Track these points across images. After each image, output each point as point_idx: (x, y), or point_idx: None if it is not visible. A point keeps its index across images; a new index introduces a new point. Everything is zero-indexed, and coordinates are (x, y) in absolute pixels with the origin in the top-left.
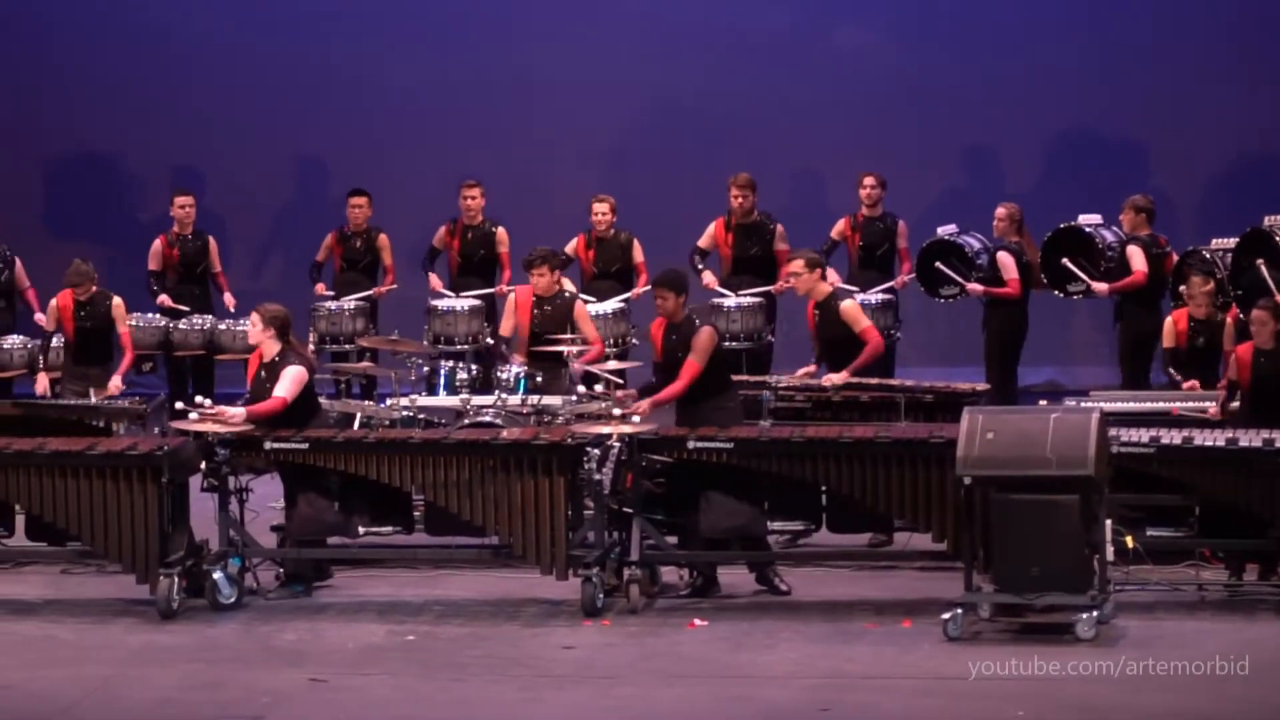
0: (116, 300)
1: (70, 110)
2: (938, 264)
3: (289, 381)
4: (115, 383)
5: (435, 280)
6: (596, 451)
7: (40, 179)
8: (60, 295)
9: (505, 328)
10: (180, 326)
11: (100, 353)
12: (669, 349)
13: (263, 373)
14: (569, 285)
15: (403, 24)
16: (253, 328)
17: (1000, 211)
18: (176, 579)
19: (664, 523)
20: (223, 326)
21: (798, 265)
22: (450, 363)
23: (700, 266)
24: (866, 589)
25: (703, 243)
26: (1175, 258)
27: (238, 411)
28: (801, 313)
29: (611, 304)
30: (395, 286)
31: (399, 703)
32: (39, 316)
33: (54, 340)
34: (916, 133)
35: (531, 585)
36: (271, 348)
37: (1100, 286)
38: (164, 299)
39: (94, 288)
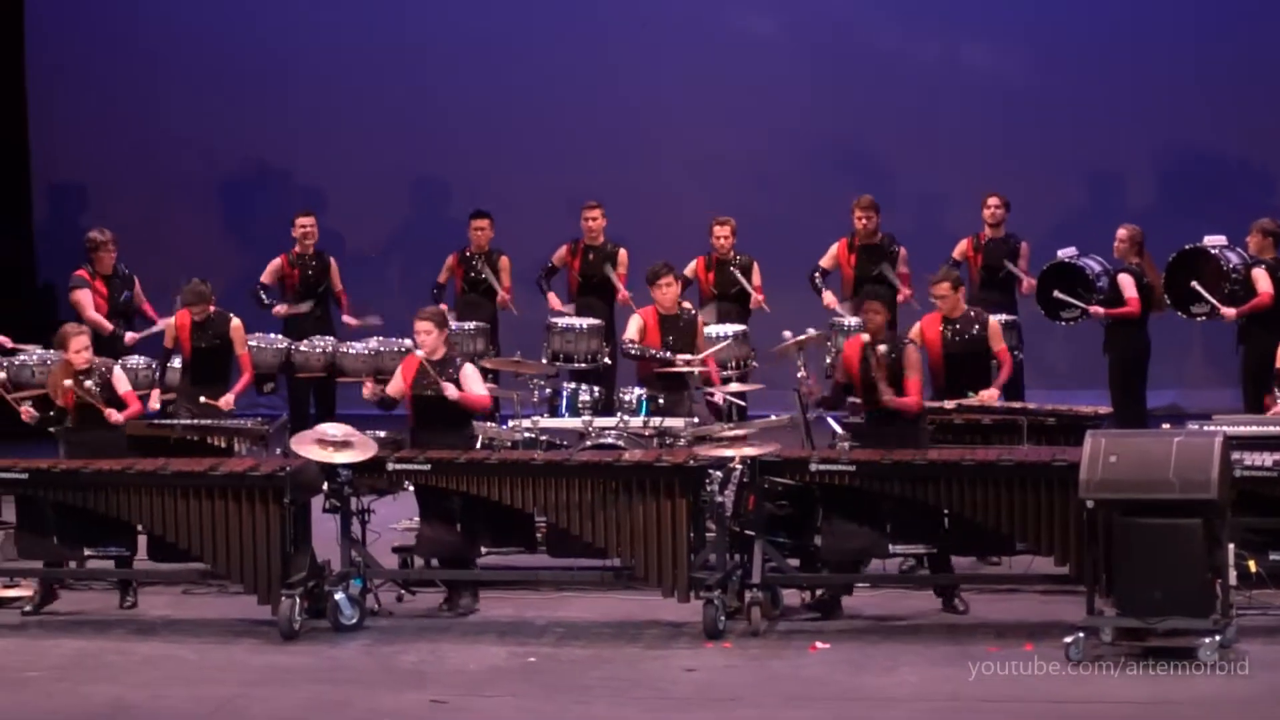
0: (235, 322)
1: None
2: (1056, 292)
3: (478, 379)
4: (227, 399)
5: (554, 299)
6: (719, 474)
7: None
8: (179, 314)
9: (630, 334)
10: (302, 349)
11: (218, 373)
12: (867, 365)
13: (431, 371)
14: (686, 305)
15: (526, 47)
16: (427, 334)
17: (1121, 233)
18: (298, 600)
19: (786, 545)
20: (344, 349)
21: (944, 289)
22: (572, 384)
23: (820, 286)
24: (988, 611)
25: (825, 262)
26: None
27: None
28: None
29: (731, 326)
30: (510, 303)
31: None
32: (162, 323)
33: (173, 360)
34: (1039, 153)
35: (653, 607)
36: (441, 349)
37: (1229, 311)
38: (280, 308)
39: (211, 308)
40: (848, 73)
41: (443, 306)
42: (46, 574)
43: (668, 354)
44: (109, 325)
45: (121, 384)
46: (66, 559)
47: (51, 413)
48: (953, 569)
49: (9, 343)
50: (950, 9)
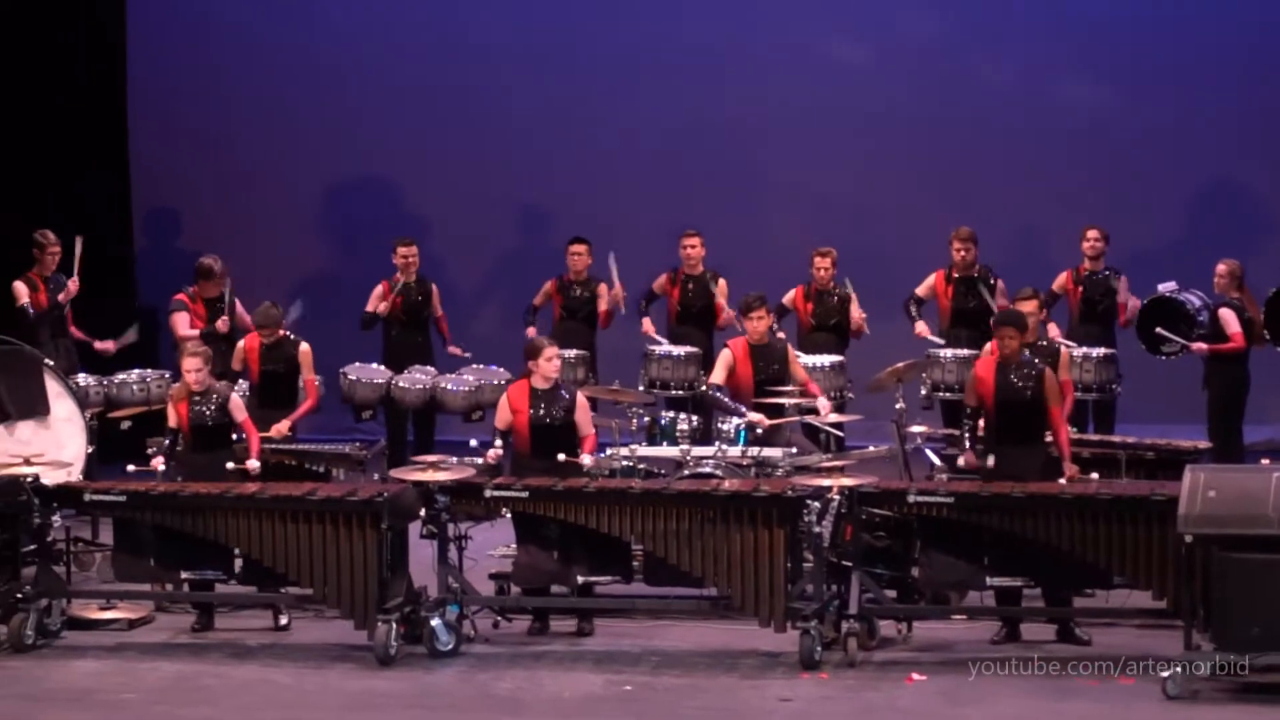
0: (304, 346)
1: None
2: (1158, 329)
3: (588, 411)
4: (281, 426)
5: (648, 324)
6: (816, 504)
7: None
8: (248, 338)
9: (717, 377)
10: (401, 384)
11: (286, 397)
12: (1006, 389)
13: (544, 398)
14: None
15: (627, 78)
16: (559, 359)
17: (1221, 268)
18: (395, 625)
19: (883, 576)
20: (444, 384)
21: (1032, 305)
22: (670, 413)
23: (915, 314)
24: (1076, 644)
25: (921, 291)
26: None
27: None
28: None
29: (829, 357)
30: (614, 312)
31: None
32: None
33: (241, 383)
34: (1139, 187)
35: (749, 637)
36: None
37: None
38: (383, 306)
39: (281, 332)
40: (947, 103)
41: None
42: (142, 596)
43: (741, 408)
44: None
45: (239, 411)
46: (164, 581)
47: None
48: (1070, 602)
49: (113, 346)
50: (1045, 41)
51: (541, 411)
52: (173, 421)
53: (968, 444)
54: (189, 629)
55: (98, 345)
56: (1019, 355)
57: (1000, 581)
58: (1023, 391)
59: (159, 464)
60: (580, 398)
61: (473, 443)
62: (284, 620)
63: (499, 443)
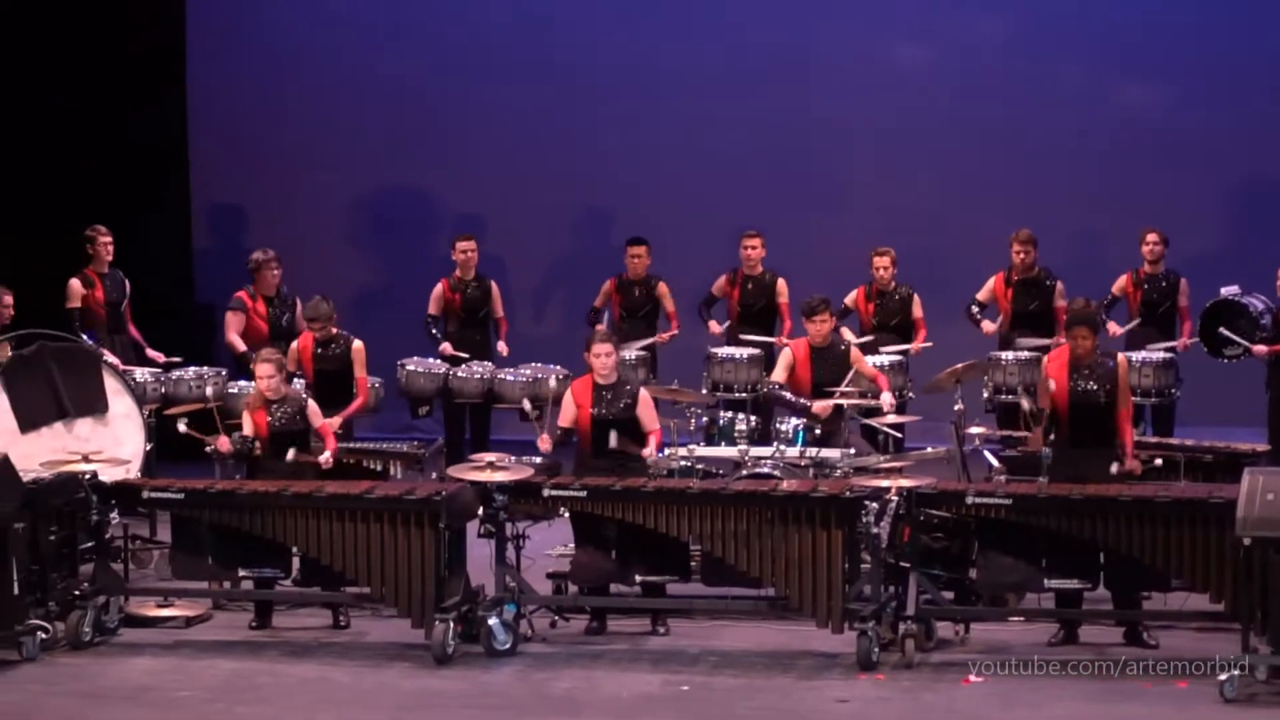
0: (357, 344)
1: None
2: (1221, 329)
3: (652, 407)
4: (333, 422)
5: (715, 325)
6: (875, 505)
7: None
8: (301, 338)
9: (779, 376)
10: (459, 375)
11: (341, 397)
12: (1079, 391)
13: (607, 394)
14: (849, 335)
15: (687, 78)
16: (608, 356)
17: None
18: (452, 624)
19: (941, 578)
20: (503, 375)
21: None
22: (729, 413)
23: (979, 317)
24: (1143, 648)
25: (981, 296)
26: None
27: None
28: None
29: (889, 356)
30: (678, 333)
31: None
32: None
33: (297, 383)
34: (1200, 190)
35: (807, 637)
36: (615, 373)
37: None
38: (445, 347)
39: (334, 329)
40: (1007, 105)
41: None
42: (201, 594)
43: (803, 401)
44: (242, 346)
45: (316, 418)
46: (221, 580)
47: (246, 440)
48: (1140, 605)
49: (161, 358)
50: (1107, 43)
51: (603, 407)
52: (249, 430)
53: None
54: (247, 627)
55: (150, 352)
56: (1092, 355)
57: (1058, 583)
58: (1095, 394)
59: (225, 444)
60: (643, 394)
61: (526, 405)
62: (343, 619)
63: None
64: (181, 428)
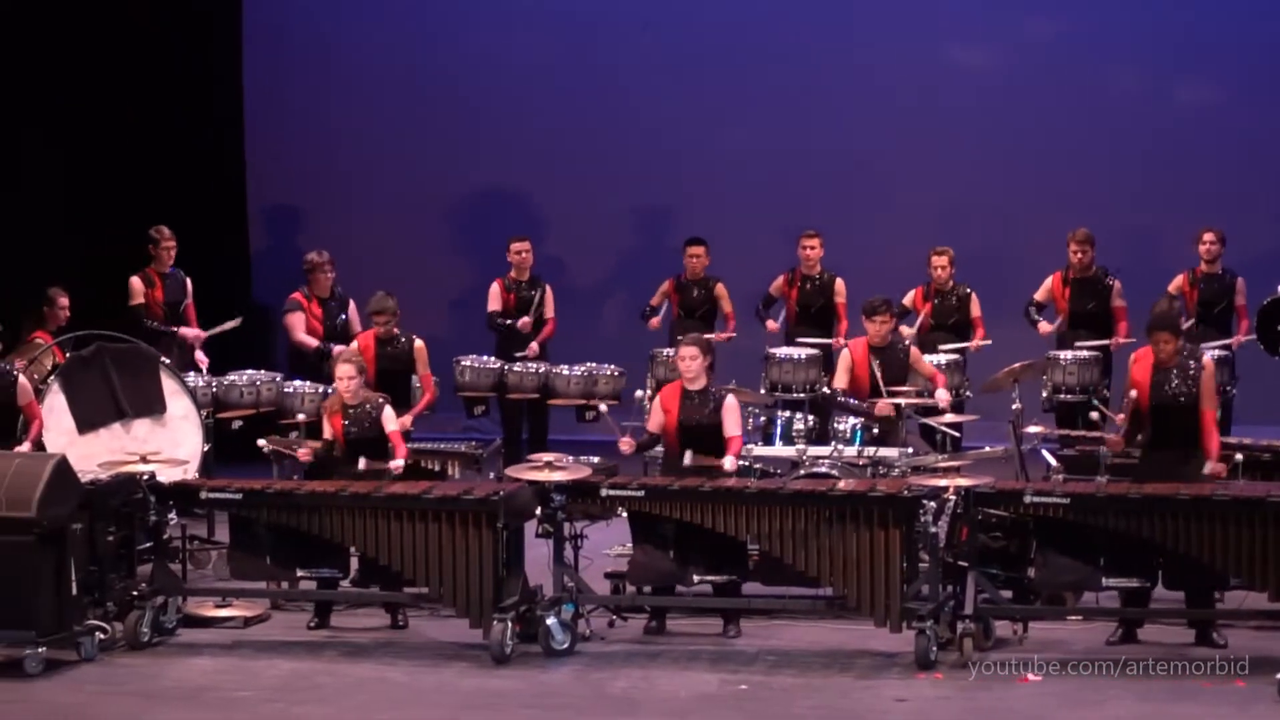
0: (419, 343)
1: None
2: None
3: (738, 413)
4: (405, 420)
5: (772, 323)
6: (933, 504)
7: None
8: (361, 337)
9: (840, 381)
10: (515, 369)
11: (402, 395)
12: (1163, 393)
13: (694, 399)
14: (908, 331)
15: (745, 79)
16: (692, 360)
17: None
18: (510, 624)
19: (999, 577)
20: (557, 370)
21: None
22: (787, 413)
23: (1037, 317)
24: (1200, 647)
25: (1039, 296)
26: None
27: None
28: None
29: (946, 355)
30: (735, 335)
31: None
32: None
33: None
34: (1256, 189)
35: (864, 637)
36: (704, 377)
37: None
38: (525, 321)
39: (396, 329)
40: (1063, 105)
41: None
42: (259, 594)
43: (865, 405)
44: (314, 343)
45: (389, 422)
46: (279, 580)
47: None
48: (1213, 604)
49: (202, 335)
50: (1163, 43)
51: (690, 413)
52: (327, 433)
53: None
54: (305, 627)
55: (182, 331)
56: (1174, 359)
57: (1116, 582)
58: (1176, 396)
59: (307, 455)
60: (729, 400)
61: (603, 406)
62: (402, 619)
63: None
64: (263, 444)
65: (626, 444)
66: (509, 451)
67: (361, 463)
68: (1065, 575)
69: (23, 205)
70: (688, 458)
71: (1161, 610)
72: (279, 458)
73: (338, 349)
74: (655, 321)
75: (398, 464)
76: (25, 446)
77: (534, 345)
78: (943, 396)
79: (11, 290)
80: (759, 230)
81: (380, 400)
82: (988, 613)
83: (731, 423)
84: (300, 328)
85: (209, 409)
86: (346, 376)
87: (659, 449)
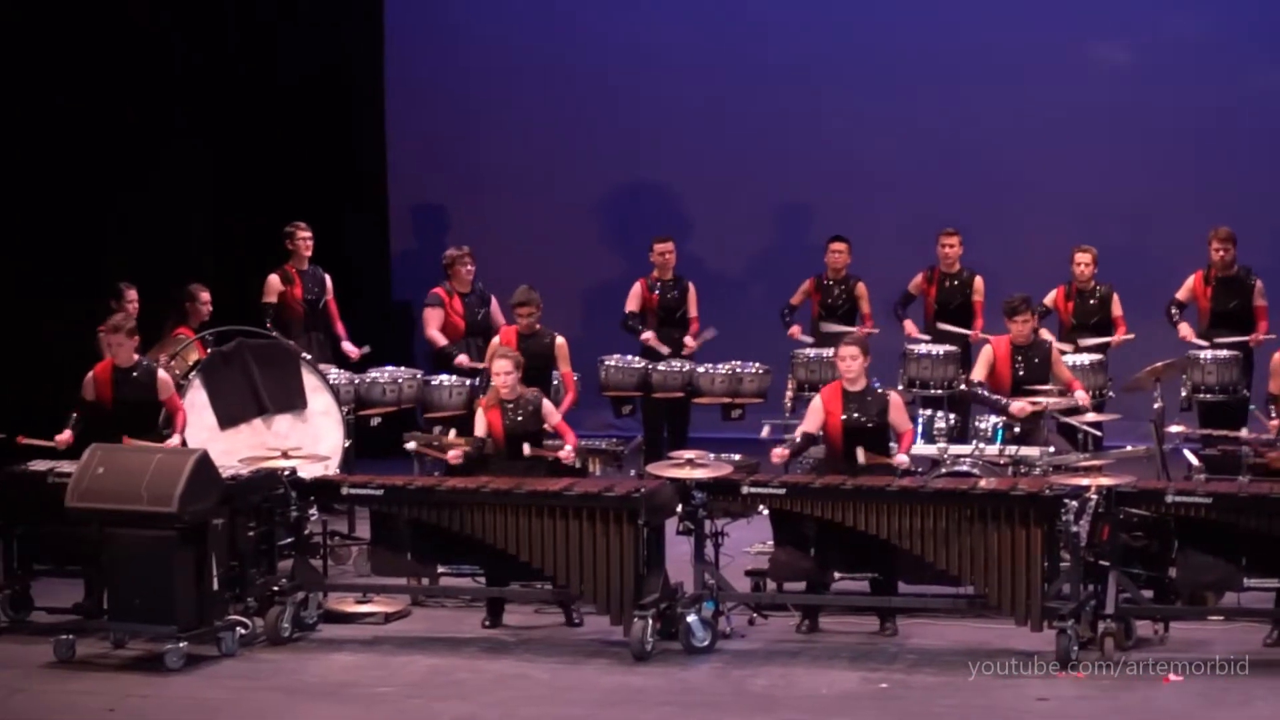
0: (560, 340)
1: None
2: None
3: (904, 409)
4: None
5: (910, 325)
6: (1074, 503)
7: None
8: (503, 332)
9: (978, 374)
10: (659, 368)
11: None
12: None
13: (856, 399)
14: (1045, 334)
15: (885, 75)
16: (852, 360)
17: None
18: (651, 621)
19: (1140, 576)
20: (701, 369)
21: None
22: (928, 411)
23: (1177, 318)
24: None
25: (1181, 295)
26: None
27: None
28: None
29: (1088, 355)
30: (876, 331)
31: None
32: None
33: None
34: None
35: (1005, 636)
36: (863, 378)
37: None
38: (649, 335)
39: (538, 325)
40: (1205, 102)
41: (795, 330)
42: (400, 590)
43: (1002, 399)
44: (442, 341)
45: (552, 416)
46: (420, 576)
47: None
48: None
49: (355, 353)
50: None
51: (854, 414)
52: (482, 430)
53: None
54: (480, 625)
55: (345, 345)
56: None
57: (1257, 582)
58: None
59: (457, 457)
60: (893, 397)
61: (764, 432)
62: (577, 618)
63: (791, 441)
64: (411, 446)
65: (779, 455)
66: (650, 449)
67: (525, 448)
68: (1206, 575)
69: (169, 201)
70: (861, 456)
71: None
72: (422, 457)
73: (459, 360)
74: (796, 330)
75: (568, 451)
76: (176, 440)
77: (690, 340)
78: (1081, 396)
79: (155, 286)
80: (898, 228)
81: (537, 394)
82: (1129, 612)
83: (900, 419)
84: (434, 324)
85: (350, 406)
86: (504, 372)
87: (812, 450)
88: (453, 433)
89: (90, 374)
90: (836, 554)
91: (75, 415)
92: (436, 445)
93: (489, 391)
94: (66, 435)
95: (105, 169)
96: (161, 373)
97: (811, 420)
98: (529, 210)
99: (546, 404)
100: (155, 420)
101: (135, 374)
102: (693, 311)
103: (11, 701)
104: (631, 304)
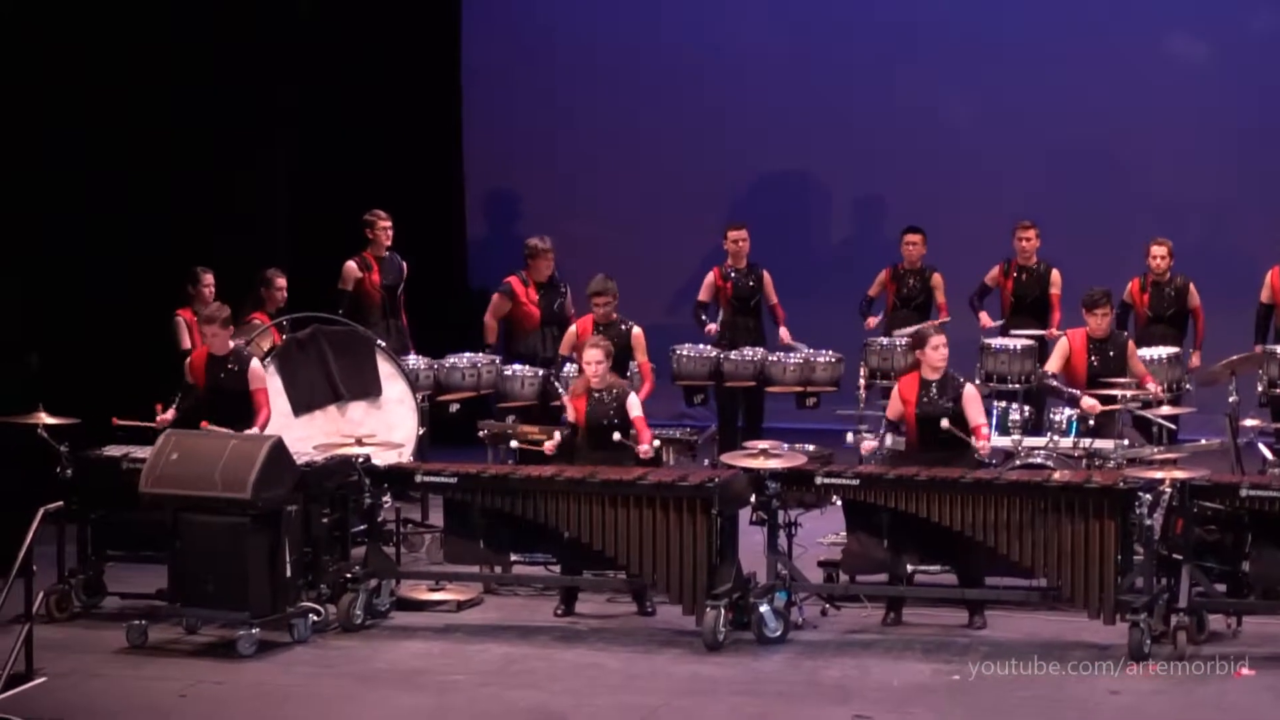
0: (636, 330)
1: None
2: None
3: (979, 402)
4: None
5: (985, 318)
6: (1148, 496)
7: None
8: (579, 322)
9: (1053, 365)
10: (731, 357)
11: None
12: None
13: (933, 389)
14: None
15: (963, 67)
16: (939, 349)
17: None
18: (723, 611)
19: (1214, 570)
20: (773, 358)
21: None
22: (1003, 403)
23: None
24: None
25: (1264, 297)
26: None
27: None
28: None
29: (1165, 349)
30: (949, 320)
31: None
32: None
33: (567, 368)
34: None
35: (1078, 628)
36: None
37: None
38: (711, 327)
39: (615, 314)
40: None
41: (871, 321)
42: (473, 578)
43: (1075, 392)
44: (493, 337)
45: (634, 409)
46: (493, 564)
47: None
48: None
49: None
50: None
51: (929, 403)
52: (570, 416)
53: None
54: (553, 614)
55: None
56: None
57: None
58: None
59: (552, 447)
60: (969, 388)
61: (849, 438)
62: (650, 607)
63: (883, 435)
64: (514, 444)
65: (868, 446)
66: (724, 438)
67: (615, 436)
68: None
69: (248, 187)
70: (944, 422)
71: None
72: (495, 441)
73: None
74: (872, 321)
75: (646, 449)
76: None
77: (784, 332)
78: (1154, 387)
79: (231, 271)
80: (975, 220)
81: (625, 386)
82: (1202, 606)
83: (975, 411)
84: (494, 312)
85: (428, 391)
86: (595, 361)
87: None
88: (551, 442)
89: (189, 358)
90: (910, 545)
91: (179, 395)
92: (532, 441)
93: (578, 378)
94: (169, 414)
95: (186, 155)
96: (255, 364)
97: (891, 408)
98: (604, 198)
99: (633, 397)
100: (247, 410)
101: (230, 363)
102: (773, 298)
103: (85, 687)
104: (703, 294)
